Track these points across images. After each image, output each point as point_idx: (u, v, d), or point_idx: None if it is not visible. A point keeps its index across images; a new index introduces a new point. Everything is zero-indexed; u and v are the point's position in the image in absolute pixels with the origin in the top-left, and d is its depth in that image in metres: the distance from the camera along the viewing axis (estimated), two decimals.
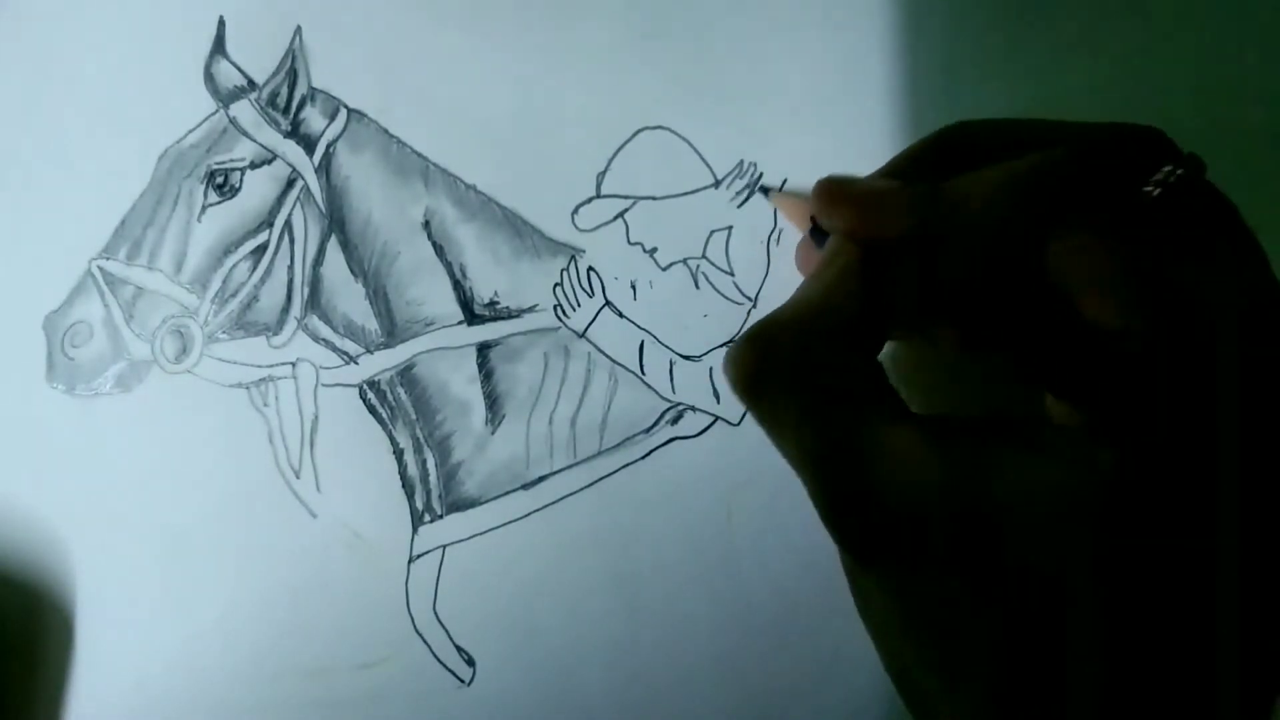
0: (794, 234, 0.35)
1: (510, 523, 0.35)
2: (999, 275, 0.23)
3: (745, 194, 0.35)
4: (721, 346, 0.35)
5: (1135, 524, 0.20)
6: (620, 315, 0.36)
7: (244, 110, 0.37)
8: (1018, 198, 0.22)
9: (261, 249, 0.36)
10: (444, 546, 0.35)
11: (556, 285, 0.36)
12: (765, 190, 0.35)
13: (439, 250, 0.36)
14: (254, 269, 0.36)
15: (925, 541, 0.20)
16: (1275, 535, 0.20)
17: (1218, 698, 0.20)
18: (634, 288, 0.36)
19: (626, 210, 0.36)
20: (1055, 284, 0.22)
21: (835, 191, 0.24)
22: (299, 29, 0.37)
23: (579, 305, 0.36)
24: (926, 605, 0.21)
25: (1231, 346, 0.20)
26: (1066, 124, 0.25)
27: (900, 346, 0.32)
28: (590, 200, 0.36)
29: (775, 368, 0.22)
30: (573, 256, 0.36)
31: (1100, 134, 0.24)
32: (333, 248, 0.36)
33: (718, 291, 0.35)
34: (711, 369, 0.35)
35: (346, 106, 0.37)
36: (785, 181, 0.35)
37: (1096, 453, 0.20)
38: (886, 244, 0.23)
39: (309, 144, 0.37)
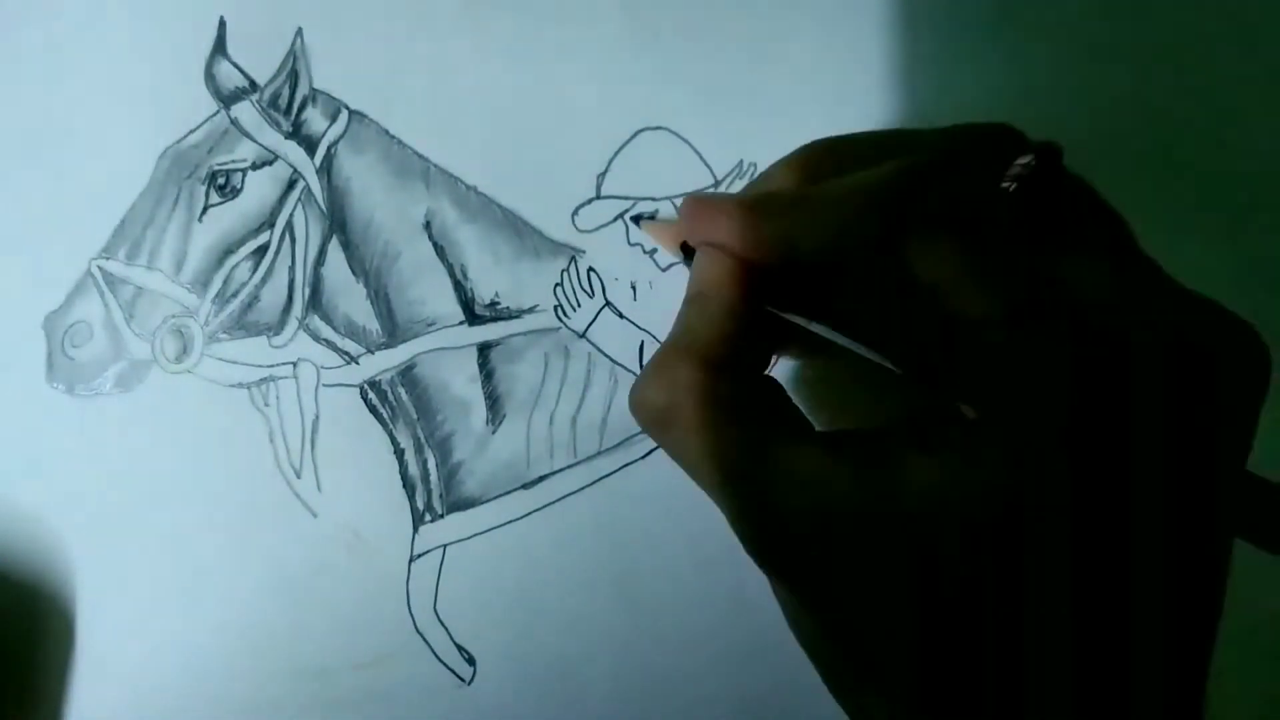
0: None
1: (511, 522, 0.35)
2: (866, 278, 0.23)
3: None
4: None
5: (1020, 515, 0.20)
6: (620, 316, 0.36)
7: (245, 111, 0.37)
8: (877, 200, 0.22)
9: (263, 249, 0.36)
10: (445, 546, 0.35)
11: (557, 286, 0.36)
12: (636, 219, 0.35)
13: (440, 251, 0.36)
14: (255, 269, 0.36)
15: (835, 553, 0.21)
16: (1156, 519, 0.20)
17: (1133, 684, 0.21)
18: (634, 288, 0.36)
19: (627, 211, 0.36)
20: (921, 282, 0.22)
21: (697, 208, 0.24)
22: (300, 30, 0.37)
23: (579, 306, 0.36)
24: (847, 616, 0.22)
25: (1089, 325, 0.21)
26: (924, 130, 0.25)
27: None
28: (590, 201, 0.36)
29: (677, 402, 0.22)
30: (573, 257, 0.36)
31: (955, 136, 0.24)
32: (334, 248, 0.36)
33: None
34: None
35: (348, 108, 0.37)
36: (657, 212, 0.35)
37: (981, 448, 0.21)
38: (756, 258, 0.23)
39: (310, 145, 0.37)
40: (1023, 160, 0.22)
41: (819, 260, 0.23)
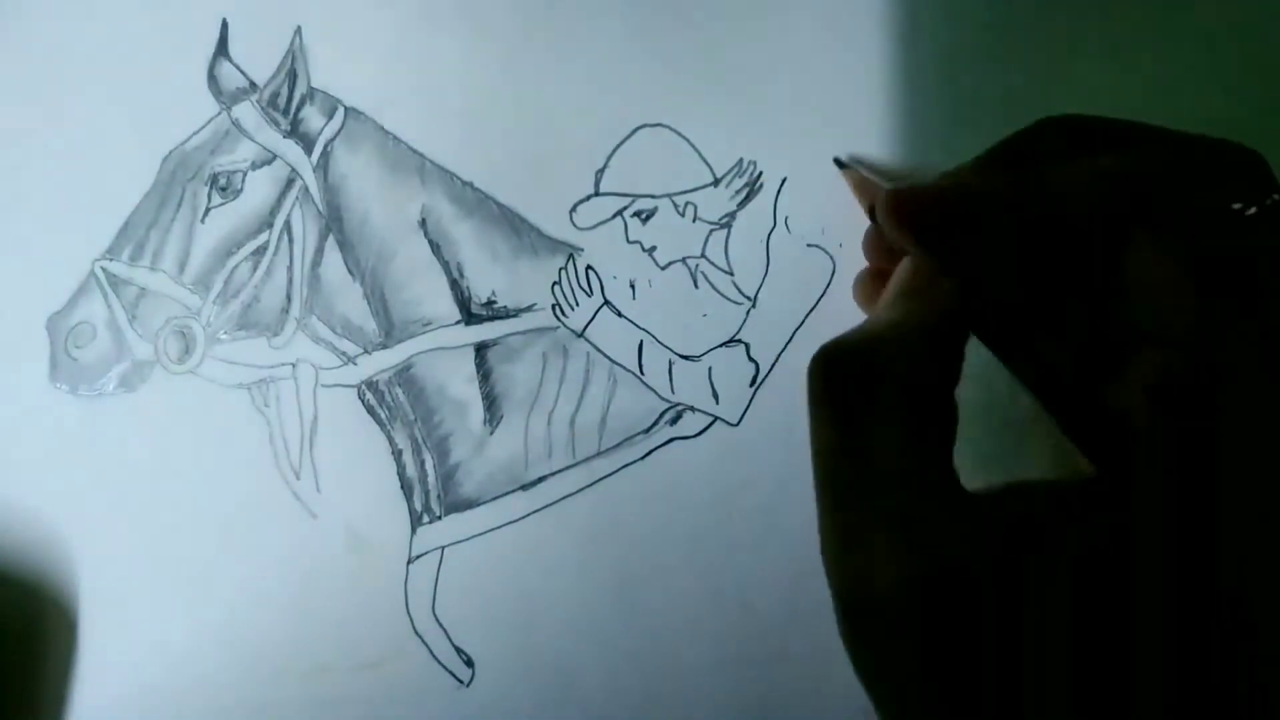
0: (796, 236, 0.35)
1: (509, 524, 0.35)
2: (1082, 273, 0.21)
3: (744, 192, 0.35)
4: (721, 346, 0.35)
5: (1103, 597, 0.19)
6: (619, 315, 0.35)
7: (246, 111, 0.37)
8: (1108, 189, 0.21)
9: (262, 250, 0.37)
10: (443, 547, 0.35)
11: (555, 284, 0.36)
12: (840, 163, 0.34)
13: (436, 249, 0.36)
14: (254, 270, 0.36)
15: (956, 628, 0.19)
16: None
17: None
18: (633, 287, 0.35)
19: (625, 208, 0.35)
20: (1125, 285, 0.21)
21: (905, 209, 0.22)
22: (299, 29, 0.37)
23: (577, 304, 0.35)
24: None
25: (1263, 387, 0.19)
26: (1171, 130, 0.23)
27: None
28: (589, 198, 0.36)
29: (872, 396, 0.20)
30: (571, 255, 0.36)
31: (1201, 145, 0.22)
32: (330, 248, 0.36)
33: (717, 291, 0.35)
34: (711, 369, 0.35)
35: (344, 105, 0.37)
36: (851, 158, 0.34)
37: (1092, 518, 0.19)
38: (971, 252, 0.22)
39: (308, 143, 0.37)
40: (1275, 196, 0.21)
41: (1040, 245, 0.21)
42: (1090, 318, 0.22)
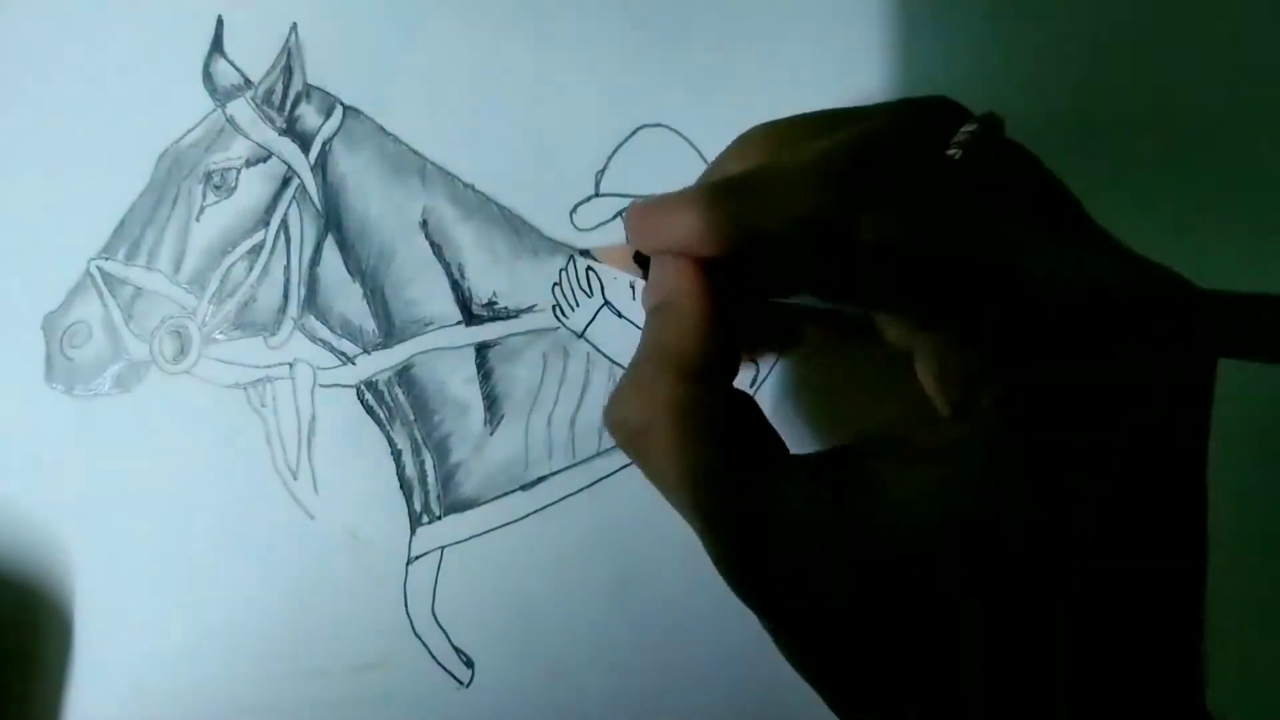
0: None
1: (509, 524, 0.35)
2: (823, 254, 0.22)
3: None
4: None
5: (1002, 514, 0.20)
6: (619, 315, 0.35)
7: (240, 108, 0.37)
8: (834, 169, 0.21)
9: (258, 248, 0.36)
10: (442, 548, 0.35)
11: (555, 285, 0.36)
12: (586, 253, 0.35)
13: (437, 249, 0.36)
14: (251, 269, 0.36)
15: (822, 583, 0.20)
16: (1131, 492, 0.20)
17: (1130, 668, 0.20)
18: (633, 287, 0.35)
19: (626, 209, 0.35)
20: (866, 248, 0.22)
21: (645, 213, 0.23)
22: (294, 25, 0.37)
23: (578, 305, 0.35)
24: (844, 645, 0.21)
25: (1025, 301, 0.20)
26: (865, 107, 0.24)
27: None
28: (589, 199, 0.36)
29: (655, 420, 0.21)
30: (571, 256, 0.36)
31: (896, 110, 0.24)
32: (329, 247, 0.36)
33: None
34: None
35: (342, 103, 0.36)
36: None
37: (956, 454, 0.20)
38: (718, 252, 0.22)
39: (305, 141, 0.36)
40: (967, 128, 0.22)
41: (778, 240, 0.22)
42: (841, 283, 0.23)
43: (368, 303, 0.36)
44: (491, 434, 0.36)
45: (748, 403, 0.23)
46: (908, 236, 0.21)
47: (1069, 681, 0.20)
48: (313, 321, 0.36)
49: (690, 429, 0.21)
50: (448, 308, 0.36)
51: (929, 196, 0.21)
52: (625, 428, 0.22)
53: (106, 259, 0.37)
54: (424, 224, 0.36)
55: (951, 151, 0.22)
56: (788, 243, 0.22)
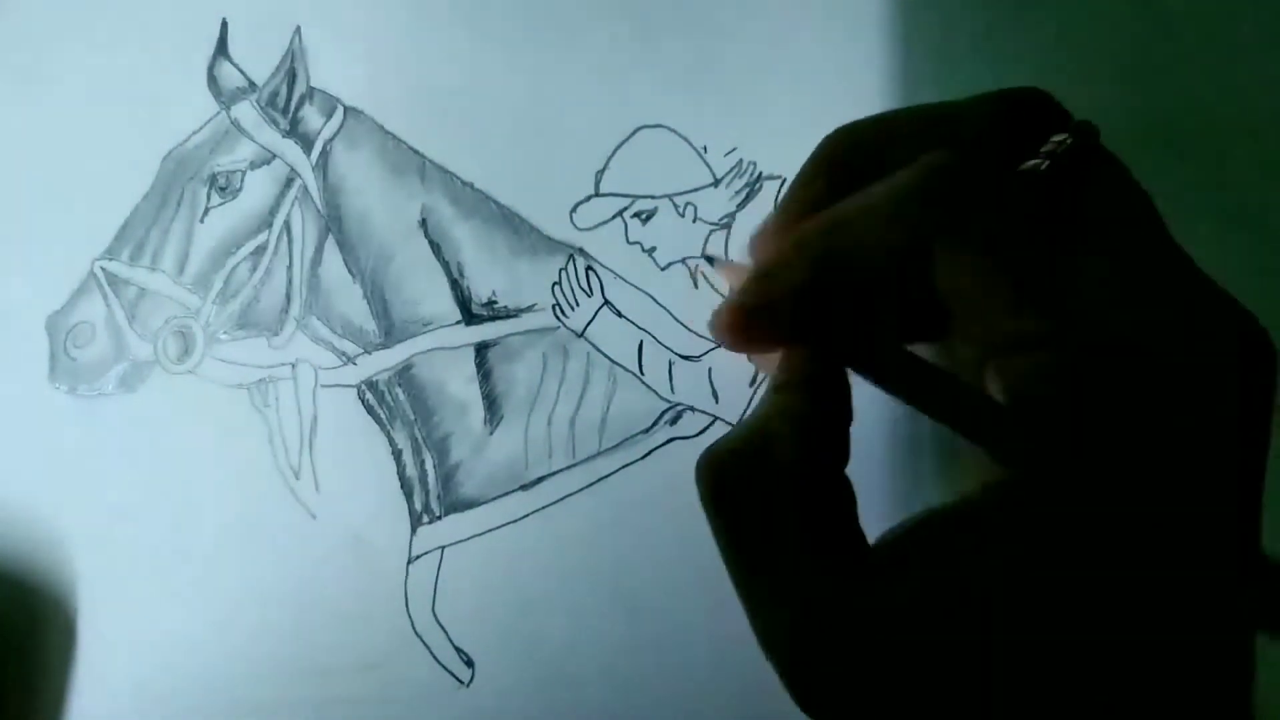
0: None
1: (509, 523, 0.35)
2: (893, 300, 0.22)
3: (744, 193, 0.35)
4: (721, 346, 0.35)
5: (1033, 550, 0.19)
6: (619, 315, 0.35)
7: (245, 111, 0.37)
8: (904, 216, 0.21)
9: (261, 249, 0.36)
10: (443, 548, 0.35)
11: (555, 284, 0.36)
12: (710, 260, 0.35)
13: (436, 249, 0.36)
14: (254, 270, 0.36)
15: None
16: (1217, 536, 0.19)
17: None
18: (633, 287, 0.35)
19: (625, 209, 0.35)
20: (941, 301, 0.21)
21: (740, 324, 0.22)
22: (298, 28, 0.37)
23: (577, 305, 0.35)
24: None
25: (1114, 330, 0.20)
26: (951, 104, 0.23)
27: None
28: (589, 199, 0.36)
29: (757, 504, 0.20)
30: (571, 255, 0.36)
31: (987, 106, 0.23)
32: (330, 248, 0.36)
33: (717, 291, 0.35)
34: (710, 369, 0.35)
35: (343, 104, 0.37)
36: (722, 256, 0.35)
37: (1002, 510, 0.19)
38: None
39: (307, 142, 0.37)
40: (1057, 137, 0.21)
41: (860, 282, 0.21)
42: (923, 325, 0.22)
43: (368, 303, 0.36)
44: (491, 434, 0.36)
45: (846, 495, 0.22)
46: (976, 290, 0.20)
47: None
48: (314, 322, 0.36)
49: (776, 526, 0.20)
50: (447, 307, 0.36)
51: (1003, 239, 0.21)
52: (714, 488, 0.21)
53: (110, 260, 0.37)
54: (423, 223, 0.36)
55: (1038, 161, 0.21)
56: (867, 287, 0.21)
